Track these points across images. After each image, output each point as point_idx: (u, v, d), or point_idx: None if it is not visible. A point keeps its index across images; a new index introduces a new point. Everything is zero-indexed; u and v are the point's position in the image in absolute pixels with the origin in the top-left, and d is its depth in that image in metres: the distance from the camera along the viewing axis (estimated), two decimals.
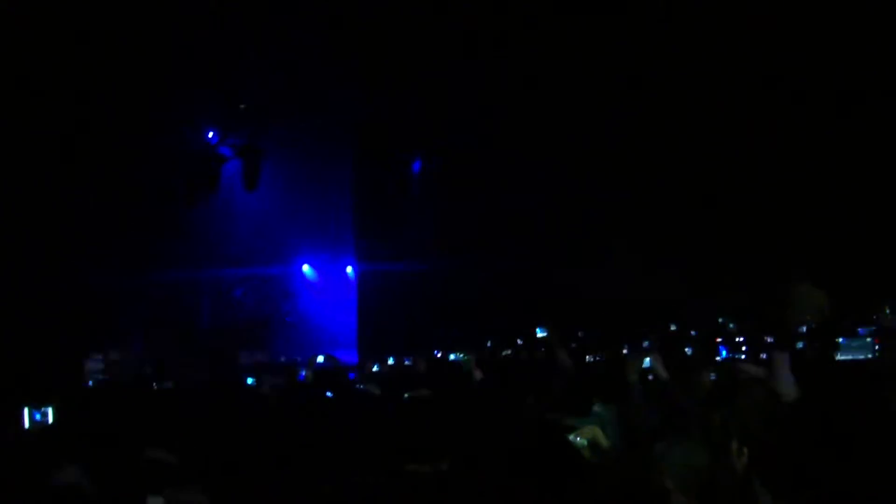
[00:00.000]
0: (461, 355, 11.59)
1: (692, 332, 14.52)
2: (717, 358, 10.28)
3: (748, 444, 3.76)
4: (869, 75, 14.85)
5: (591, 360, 10.42)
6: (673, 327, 15.41)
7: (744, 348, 11.22)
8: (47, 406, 5.95)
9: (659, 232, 18.14)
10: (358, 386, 10.09)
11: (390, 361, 13.96)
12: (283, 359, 18.22)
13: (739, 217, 17.24)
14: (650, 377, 6.66)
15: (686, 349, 11.32)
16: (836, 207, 15.64)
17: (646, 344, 12.57)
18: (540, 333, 6.72)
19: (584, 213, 18.61)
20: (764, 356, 8.83)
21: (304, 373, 11.64)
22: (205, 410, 7.30)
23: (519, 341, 15.07)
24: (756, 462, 3.59)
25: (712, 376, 7.12)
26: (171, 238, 17.44)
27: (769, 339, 11.13)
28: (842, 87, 15.24)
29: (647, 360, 6.62)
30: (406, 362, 14.03)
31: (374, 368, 13.15)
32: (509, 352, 13.95)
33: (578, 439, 5.36)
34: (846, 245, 15.08)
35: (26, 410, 5.90)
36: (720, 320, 15.85)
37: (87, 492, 4.54)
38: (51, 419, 5.92)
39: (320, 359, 12.16)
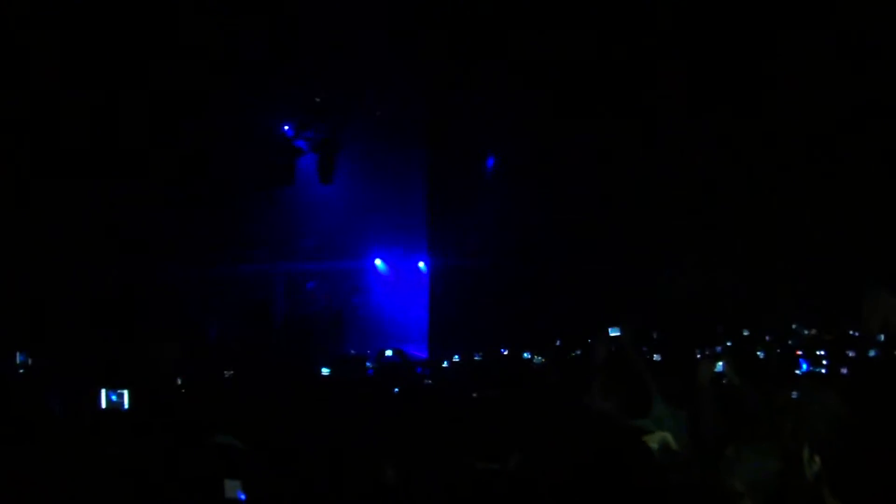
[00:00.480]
0: (535, 356, 11.57)
1: (766, 337, 14.36)
2: (797, 371, 10.10)
3: (820, 453, 3.71)
4: None
5: (662, 361, 10.33)
6: (746, 332, 15.19)
7: (825, 362, 10.99)
8: (123, 389, 6.06)
9: (734, 235, 17.93)
10: (426, 382, 10.12)
11: (455, 358, 13.93)
12: (353, 352, 18.35)
13: (815, 223, 16.99)
14: (723, 381, 6.58)
15: (758, 353, 11.15)
16: None
17: (718, 349, 12.45)
18: (613, 332, 6.60)
19: (662, 213, 18.44)
20: (844, 371, 8.71)
21: (370, 365, 11.72)
22: (276, 400, 7.39)
23: (590, 341, 14.98)
24: (828, 470, 3.54)
25: (794, 394, 7.02)
26: (248, 231, 17.68)
27: (851, 353, 10.96)
28: None
29: (720, 364, 6.52)
30: (476, 357, 14.04)
31: (444, 364, 13.17)
32: (579, 352, 13.89)
33: (651, 443, 5.33)
34: None
35: (103, 392, 6.01)
36: (794, 326, 15.65)
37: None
38: (126, 402, 6.03)
39: (388, 353, 12.19)
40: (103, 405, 5.94)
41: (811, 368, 10.42)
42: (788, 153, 17.11)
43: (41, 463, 4.79)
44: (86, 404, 6.05)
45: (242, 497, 4.45)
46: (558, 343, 16.07)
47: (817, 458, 3.62)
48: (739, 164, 17.76)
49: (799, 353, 12.07)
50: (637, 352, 6.38)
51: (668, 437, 5.31)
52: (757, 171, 17.59)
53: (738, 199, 18.00)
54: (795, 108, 16.54)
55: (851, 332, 14.33)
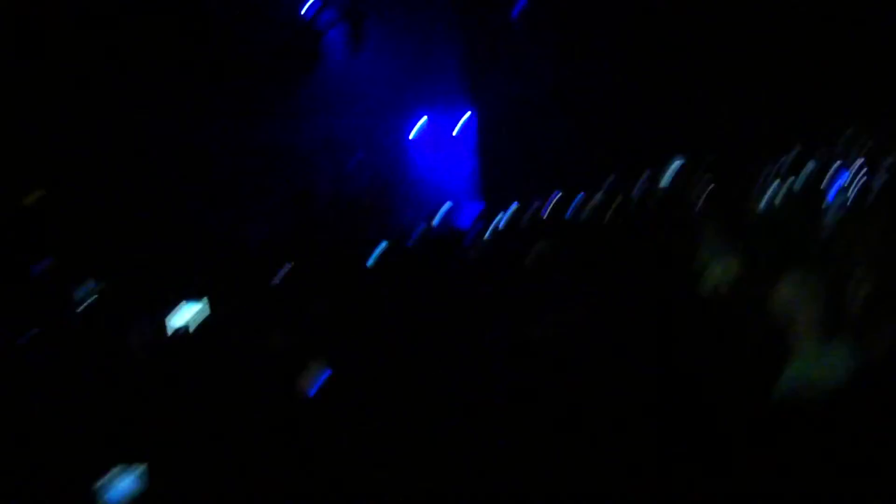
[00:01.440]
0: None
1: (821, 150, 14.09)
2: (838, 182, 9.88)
3: (874, 272, 3.64)
4: None
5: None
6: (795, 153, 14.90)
7: (864, 170, 10.76)
8: (202, 298, 6.15)
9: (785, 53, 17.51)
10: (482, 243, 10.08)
11: (511, 209, 13.83)
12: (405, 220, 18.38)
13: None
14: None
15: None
16: None
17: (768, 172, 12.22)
18: (678, 161, 6.53)
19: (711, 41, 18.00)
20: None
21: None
22: (322, 286, 7.48)
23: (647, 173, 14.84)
24: (881, 292, 3.49)
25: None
26: (281, 108, 17.60)
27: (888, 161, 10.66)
28: None
29: (772, 187, 6.44)
30: (536, 203, 13.94)
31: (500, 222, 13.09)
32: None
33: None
34: None
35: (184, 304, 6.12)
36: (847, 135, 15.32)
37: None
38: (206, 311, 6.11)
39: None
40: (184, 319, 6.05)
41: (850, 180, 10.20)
42: None
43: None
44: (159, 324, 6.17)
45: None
46: (612, 178, 15.96)
47: (867, 284, 3.55)
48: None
49: (838, 163, 11.83)
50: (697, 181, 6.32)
51: (733, 265, 5.31)
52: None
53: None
54: None
55: None
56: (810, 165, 12.35)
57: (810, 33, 17.17)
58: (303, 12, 18.02)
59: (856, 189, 10.04)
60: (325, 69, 18.36)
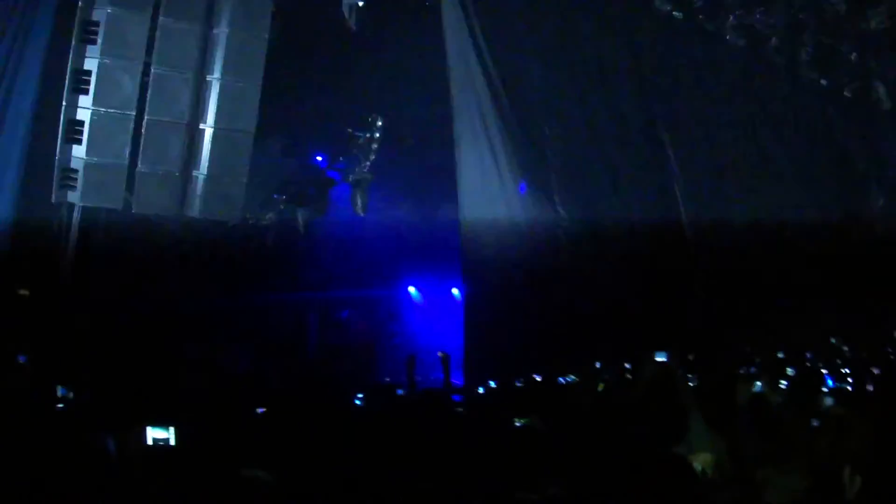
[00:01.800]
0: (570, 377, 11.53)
1: (807, 354, 14.28)
2: (823, 388, 10.04)
3: (861, 472, 3.70)
4: None
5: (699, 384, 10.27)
6: (781, 354, 15.08)
7: (850, 379, 10.95)
8: (169, 426, 6.13)
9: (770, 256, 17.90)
10: (458, 410, 10.10)
11: (492, 384, 13.88)
12: (388, 379, 18.35)
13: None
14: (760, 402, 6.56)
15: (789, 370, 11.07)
16: None
17: (752, 369, 12.39)
18: (660, 357, 6.60)
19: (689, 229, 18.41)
20: (870, 388, 8.64)
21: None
22: (309, 430, 7.44)
23: (627, 365, 14.94)
24: (868, 492, 3.54)
25: (828, 401, 7.03)
26: (280, 260, 17.80)
27: (876, 371, 10.87)
28: None
29: (758, 384, 6.54)
30: (517, 384, 13.98)
31: (480, 390, 13.13)
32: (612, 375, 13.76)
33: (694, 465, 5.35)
34: None
35: (149, 430, 6.10)
36: (832, 340, 15.55)
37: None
38: (172, 440, 6.09)
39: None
40: (150, 441, 6.03)
41: (836, 384, 10.36)
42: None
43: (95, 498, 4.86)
44: (132, 441, 6.14)
45: None
46: (597, 365, 16.03)
47: (858, 479, 3.61)
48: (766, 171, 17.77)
49: (824, 370, 12.04)
50: (683, 377, 6.39)
51: (709, 457, 5.34)
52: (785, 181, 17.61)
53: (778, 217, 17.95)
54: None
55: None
56: (798, 365, 12.56)
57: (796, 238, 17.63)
58: (315, 162, 18.50)
59: (842, 392, 10.21)
60: (326, 222, 18.69)
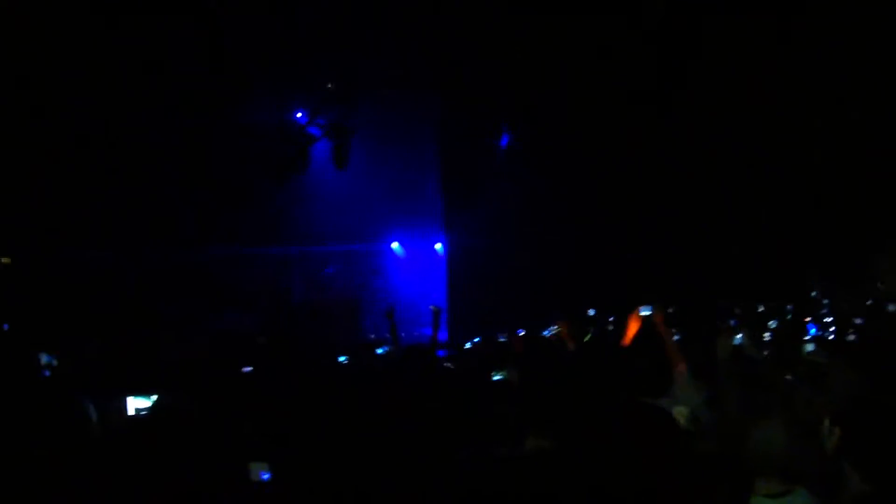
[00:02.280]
0: (554, 327, 11.50)
1: (788, 307, 14.33)
2: (806, 336, 10.08)
3: (840, 425, 3.68)
4: None
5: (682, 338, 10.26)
6: (761, 308, 15.14)
7: (832, 328, 11.00)
8: (151, 395, 6.08)
9: (752, 209, 17.90)
10: (446, 364, 10.10)
11: (476, 340, 13.87)
12: (372, 336, 18.36)
13: (829, 193, 16.95)
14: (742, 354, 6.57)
15: (770, 323, 11.10)
16: None
17: (733, 322, 12.43)
18: (645, 312, 6.59)
19: (678, 189, 18.37)
20: (852, 337, 8.66)
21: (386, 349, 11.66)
22: (295, 389, 7.42)
23: (611, 318, 14.95)
24: (847, 443, 3.52)
25: (809, 347, 7.05)
26: (263, 217, 17.71)
27: (857, 321, 10.89)
28: None
29: (739, 337, 6.53)
30: (500, 339, 13.98)
31: (467, 346, 13.12)
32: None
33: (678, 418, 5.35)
34: None
35: (129, 399, 6.04)
36: (813, 294, 15.64)
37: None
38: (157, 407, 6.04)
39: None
40: (131, 412, 5.98)
41: (819, 333, 10.41)
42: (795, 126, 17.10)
43: (77, 468, 4.81)
44: (114, 410, 6.08)
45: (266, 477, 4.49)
46: (590, 313, 16.03)
47: (837, 430, 3.59)
48: (752, 139, 17.69)
49: (807, 319, 12.09)
50: (668, 330, 6.37)
51: (685, 410, 5.34)
52: (766, 145, 17.57)
53: (754, 175, 17.92)
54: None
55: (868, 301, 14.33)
56: (780, 318, 12.61)
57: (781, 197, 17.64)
58: (294, 119, 18.33)
59: (824, 342, 10.27)
60: (307, 180, 18.58)
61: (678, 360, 5.86)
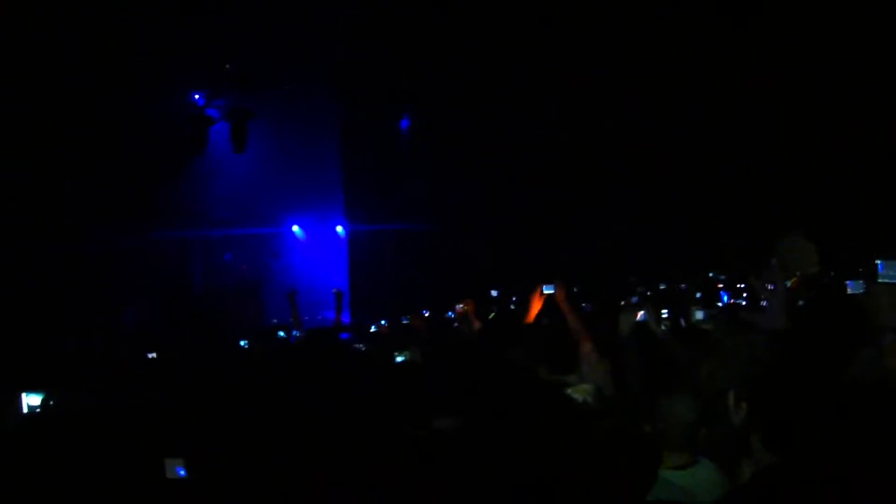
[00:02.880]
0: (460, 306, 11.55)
1: (682, 286, 14.60)
2: (719, 304, 10.26)
3: (746, 398, 3.72)
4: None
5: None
6: (662, 285, 15.40)
7: (745, 294, 11.23)
8: (42, 392, 5.89)
9: (653, 189, 18.18)
10: (357, 346, 10.07)
11: (381, 322, 13.87)
12: (274, 321, 18.17)
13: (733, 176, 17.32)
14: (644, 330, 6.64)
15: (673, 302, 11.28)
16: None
17: (634, 299, 12.62)
18: (547, 290, 6.65)
19: (575, 166, 18.54)
20: (764, 303, 8.81)
21: (295, 334, 11.59)
22: (197, 378, 7.30)
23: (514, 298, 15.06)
24: (754, 416, 3.55)
25: (698, 315, 7.18)
26: (159, 202, 17.36)
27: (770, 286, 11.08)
28: None
29: (641, 313, 6.60)
30: (403, 321, 13.99)
31: (372, 329, 13.09)
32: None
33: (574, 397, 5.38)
34: (839, 203, 15.19)
35: (24, 396, 5.85)
36: (710, 274, 15.96)
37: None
38: (50, 403, 5.86)
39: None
40: (24, 409, 5.78)
41: (731, 301, 10.62)
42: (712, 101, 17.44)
43: None
44: (7, 407, 5.88)
45: (182, 474, 4.38)
46: (493, 294, 16.11)
47: (744, 404, 3.63)
48: (644, 123, 17.99)
49: (719, 285, 12.34)
50: (571, 308, 6.40)
51: (591, 388, 5.38)
52: (677, 116, 17.86)
53: (659, 148, 18.21)
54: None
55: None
56: (678, 294, 12.84)
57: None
58: (190, 102, 18.02)
59: (727, 299, 10.50)
60: (205, 162, 18.29)
61: (583, 337, 5.90)
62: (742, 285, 12.23)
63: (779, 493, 2.94)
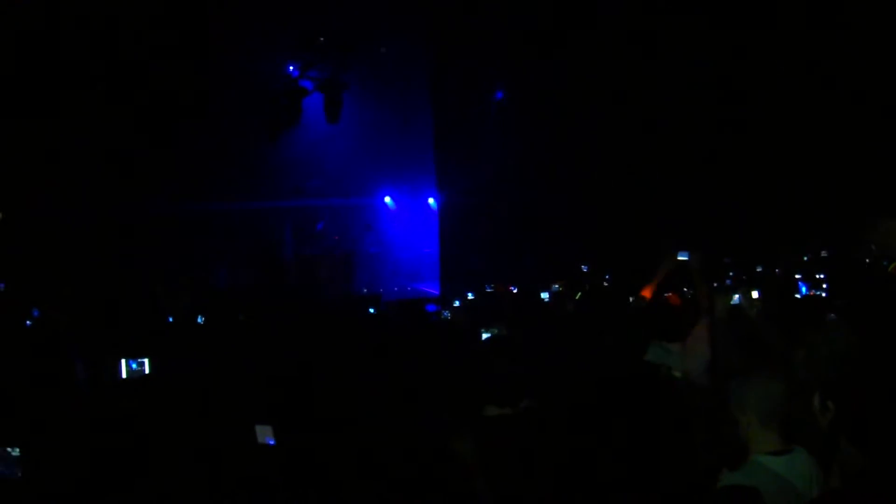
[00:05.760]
0: (556, 286, 11.46)
1: (776, 271, 14.31)
2: (797, 295, 10.01)
3: (832, 398, 3.61)
4: None
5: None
6: (759, 268, 15.09)
7: (825, 286, 10.96)
8: (144, 357, 6.01)
9: (746, 170, 17.85)
10: (444, 314, 10.08)
11: (470, 296, 13.83)
12: (365, 291, 18.33)
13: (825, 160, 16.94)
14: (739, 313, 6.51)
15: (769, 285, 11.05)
16: None
17: (728, 281, 12.39)
18: (682, 257, 6.48)
19: (669, 148, 18.25)
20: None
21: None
22: (289, 344, 7.40)
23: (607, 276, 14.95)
24: (841, 419, 3.45)
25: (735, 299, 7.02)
26: (255, 171, 17.59)
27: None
28: None
29: (736, 296, 6.45)
30: (488, 289, 13.96)
31: (456, 303, 13.09)
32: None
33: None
34: None
35: (123, 362, 5.96)
36: (805, 258, 15.63)
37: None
38: (147, 369, 5.97)
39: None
40: (124, 374, 5.90)
41: (809, 292, 10.35)
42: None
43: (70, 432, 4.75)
44: (106, 372, 6.01)
45: (272, 442, 4.44)
46: (584, 269, 15.98)
47: (831, 405, 3.52)
48: (743, 104, 17.61)
49: (798, 276, 12.05)
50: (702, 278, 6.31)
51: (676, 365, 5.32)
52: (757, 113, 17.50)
53: (745, 137, 17.85)
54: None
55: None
56: (773, 276, 12.58)
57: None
58: (285, 73, 18.17)
59: (806, 291, 10.26)
60: (299, 134, 18.44)
61: (706, 310, 5.82)
62: (822, 275, 11.95)
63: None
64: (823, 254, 15.88)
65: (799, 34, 16.38)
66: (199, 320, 10.67)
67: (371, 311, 11.77)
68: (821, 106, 16.72)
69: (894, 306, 5.99)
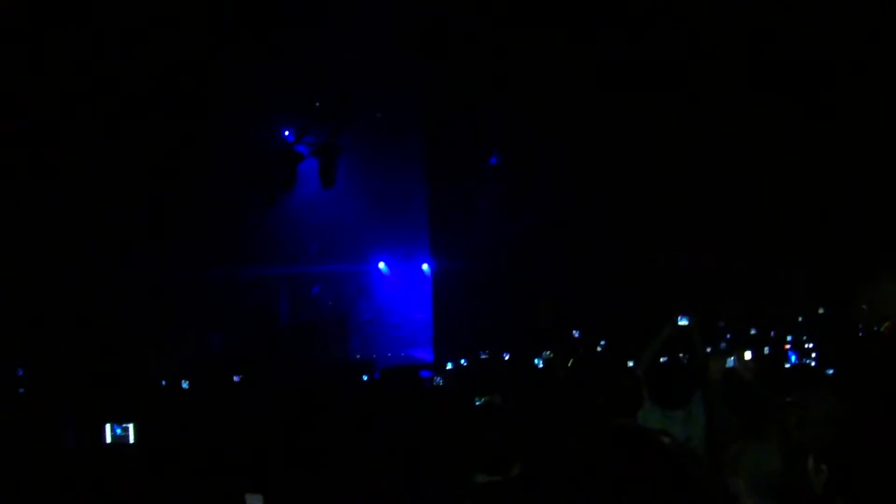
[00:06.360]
0: (547, 353, 11.43)
1: (771, 333, 14.30)
2: (786, 364, 10.02)
3: (826, 462, 3.58)
4: None
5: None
6: (753, 331, 15.08)
7: (814, 354, 10.96)
8: (128, 423, 5.94)
9: (740, 237, 17.92)
10: (437, 380, 10.03)
11: (463, 362, 13.77)
12: (358, 357, 18.24)
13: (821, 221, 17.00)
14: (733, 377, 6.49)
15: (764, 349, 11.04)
16: None
17: (723, 345, 12.36)
18: (682, 321, 6.52)
19: (665, 211, 18.31)
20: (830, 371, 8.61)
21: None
22: (281, 410, 7.35)
23: (602, 342, 14.89)
24: (837, 482, 3.42)
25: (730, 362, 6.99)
26: (248, 236, 17.60)
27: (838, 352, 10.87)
28: None
29: (731, 360, 6.44)
30: (482, 355, 13.90)
31: (448, 366, 13.02)
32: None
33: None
34: None
35: (108, 427, 5.89)
36: (800, 319, 15.65)
37: None
38: (132, 437, 5.89)
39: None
40: (108, 440, 5.83)
41: (799, 361, 10.33)
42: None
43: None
44: (91, 437, 5.95)
45: None
46: (575, 335, 15.94)
47: (825, 468, 3.49)
48: (735, 161, 17.73)
49: (787, 346, 12.05)
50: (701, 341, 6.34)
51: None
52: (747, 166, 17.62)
53: (737, 196, 17.94)
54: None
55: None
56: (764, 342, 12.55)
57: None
58: (282, 137, 18.26)
59: (795, 360, 10.24)
60: (294, 199, 18.48)
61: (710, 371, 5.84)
62: (810, 345, 11.97)
63: None
64: (821, 310, 15.89)
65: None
66: (183, 385, 10.58)
67: (364, 378, 11.69)
68: (823, 167, 16.84)
69: (884, 369, 5.98)
